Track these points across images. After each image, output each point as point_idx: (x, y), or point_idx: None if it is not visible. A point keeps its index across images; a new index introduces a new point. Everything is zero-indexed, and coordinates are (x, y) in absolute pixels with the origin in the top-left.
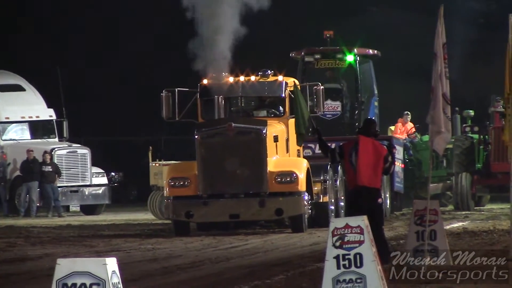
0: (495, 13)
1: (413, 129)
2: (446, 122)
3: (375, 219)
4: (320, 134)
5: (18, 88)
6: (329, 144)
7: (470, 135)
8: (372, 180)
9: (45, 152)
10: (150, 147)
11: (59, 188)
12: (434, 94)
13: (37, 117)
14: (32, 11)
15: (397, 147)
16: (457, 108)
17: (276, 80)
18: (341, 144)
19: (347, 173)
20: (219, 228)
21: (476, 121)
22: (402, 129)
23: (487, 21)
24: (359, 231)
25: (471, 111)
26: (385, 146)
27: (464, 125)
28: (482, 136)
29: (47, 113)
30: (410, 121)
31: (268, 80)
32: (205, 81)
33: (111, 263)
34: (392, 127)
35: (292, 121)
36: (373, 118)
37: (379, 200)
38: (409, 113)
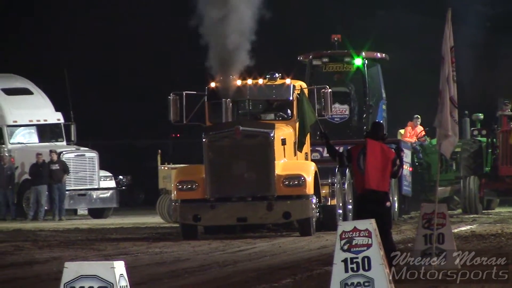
0: (502, 16)
1: (423, 133)
2: (453, 126)
3: (383, 222)
4: (327, 138)
5: (26, 91)
6: (337, 148)
7: (478, 138)
8: (380, 184)
9: (51, 151)
10: (159, 151)
11: (67, 192)
12: (442, 97)
13: (45, 120)
14: (40, 12)
15: (405, 150)
16: (466, 112)
17: (284, 83)
18: (349, 147)
19: (355, 176)
20: (226, 232)
21: (485, 125)
22: (412, 133)
23: (494, 25)
24: (367, 235)
25: (480, 114)
26: (393, 150)
27: (472, 128)
28: (490, 140)
29: (55, 117)
30: (420, 125)
31: (276, 83)
32: (212, 84)
33: (119, 267)
34: (402, 131)
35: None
36: (381, 121)
37: (387, 203)
38: (419, 116)
